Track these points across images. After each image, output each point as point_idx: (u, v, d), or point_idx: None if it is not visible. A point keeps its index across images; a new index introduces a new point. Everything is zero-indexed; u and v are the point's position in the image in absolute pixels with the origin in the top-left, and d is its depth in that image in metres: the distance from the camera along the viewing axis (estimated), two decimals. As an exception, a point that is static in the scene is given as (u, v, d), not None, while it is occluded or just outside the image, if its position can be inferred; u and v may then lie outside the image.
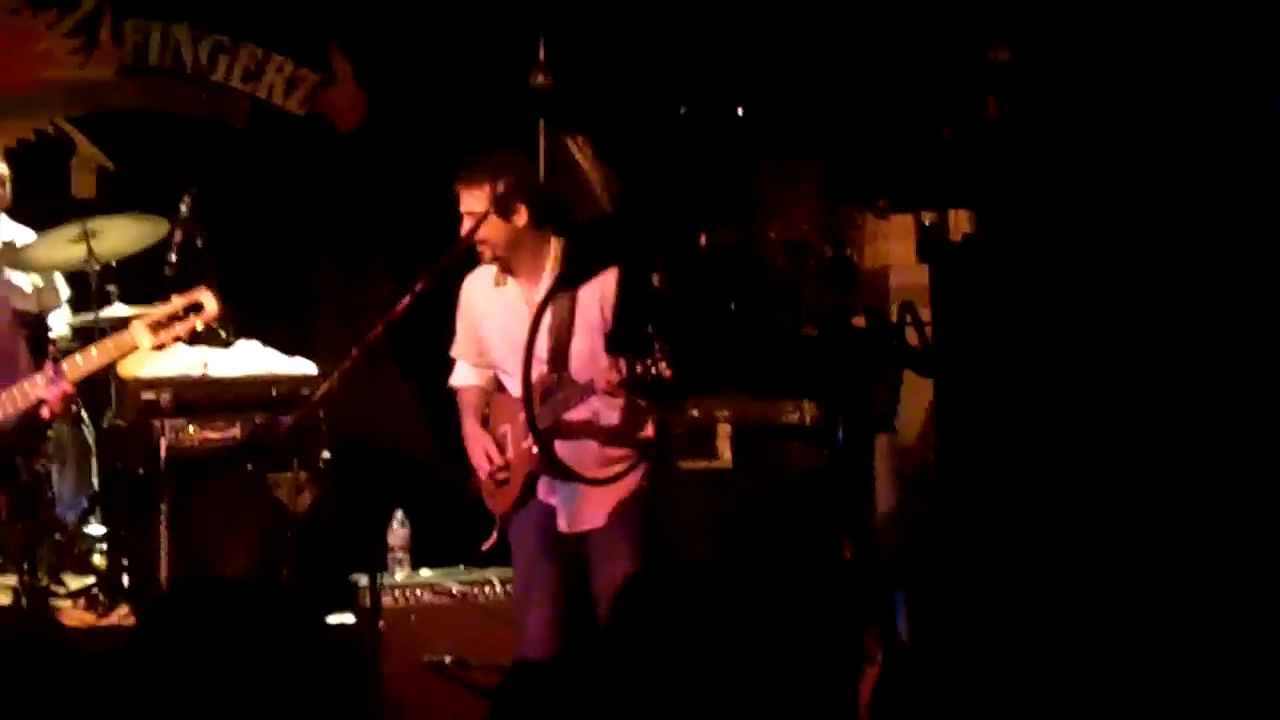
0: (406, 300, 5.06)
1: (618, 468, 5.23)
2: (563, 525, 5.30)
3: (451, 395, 5.60)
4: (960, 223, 5.06)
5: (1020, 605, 3.92)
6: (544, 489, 5.35)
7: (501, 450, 5.39)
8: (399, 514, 6.43)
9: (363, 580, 6.08)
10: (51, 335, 7.14)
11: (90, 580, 6.87)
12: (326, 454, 6.52)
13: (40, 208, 7.39)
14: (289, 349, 6.97)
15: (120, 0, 8.19)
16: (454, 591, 6.16)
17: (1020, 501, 3.93)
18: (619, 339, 4.94)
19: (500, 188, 5.18)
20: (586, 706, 3.51)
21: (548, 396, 5.19)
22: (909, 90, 4.63)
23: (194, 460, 6.56)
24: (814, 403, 6.19)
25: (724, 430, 6.29)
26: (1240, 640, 3.67)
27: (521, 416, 5.19)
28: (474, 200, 5.23)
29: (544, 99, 6.44)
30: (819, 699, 4.45)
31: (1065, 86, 4.11)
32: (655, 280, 4.80)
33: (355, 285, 7.98)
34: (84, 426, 7.13)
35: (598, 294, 5.17)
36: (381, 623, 5.87)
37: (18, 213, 7.36)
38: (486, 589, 6.16)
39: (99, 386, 6.83)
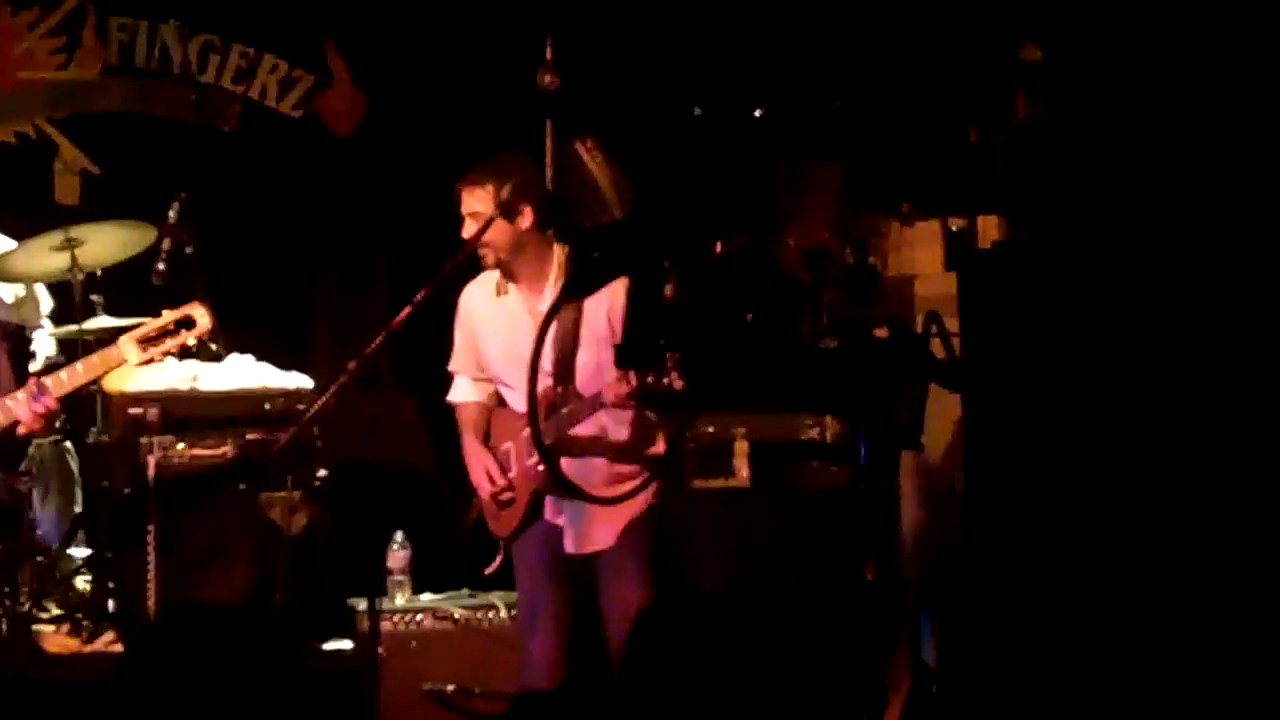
0: (406, 311, 5.06)
1: (627, 486, 5.22)
2: (570, 546, 5.29)
3: (452, 410, 5.59)
4: (989, 229, 5.04)
5: (1053, 631, 3.89)
6: (550, 509, 5.34)
7: (504, 468, 5.38)
8: (398, 535, 6.42)
9: (360, 605, 6.06)
10: (37, 359, 7.11)
11: (73, 605, 6.86)
12: (322, 472, 6.52)
13: (21, 214, 7.39)
14: (283, 363, 6.98)
15: (104, -3, 8.21)
16: (456, 617, 6.16)
17: (1053, 522, 3.91)
18: (629, 352, 4.92)
19: (505, 189, 5.19)
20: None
21: (553, 411, 5.19)
22: (935, 89, 4.60)
23: (183, 479, 6.56)
24: (835, 418, 6.19)
25: (741, 448, 6.28)
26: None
27: (525, 432, 5.17)
28: (477, 201, 5.23)
29: (551, 100, 6.44)
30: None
31: (1100, 85, 4.10)
32: (667, 290, 4.78)
33: (353, 296, 7.98)
34: (67, 444, 7.12)
35: (605, 305, 5.17)
36: (380, 649, 5.86)
37: (-4, 220, 7.37)
38: (490, 614, 6.15)
39: (84, 402, 6.82)
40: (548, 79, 6.58)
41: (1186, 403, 3.73)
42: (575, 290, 5.03)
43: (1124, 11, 4.09)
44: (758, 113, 4.66)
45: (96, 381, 6.06)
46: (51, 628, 6.76)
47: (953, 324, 4.19)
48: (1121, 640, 3.79)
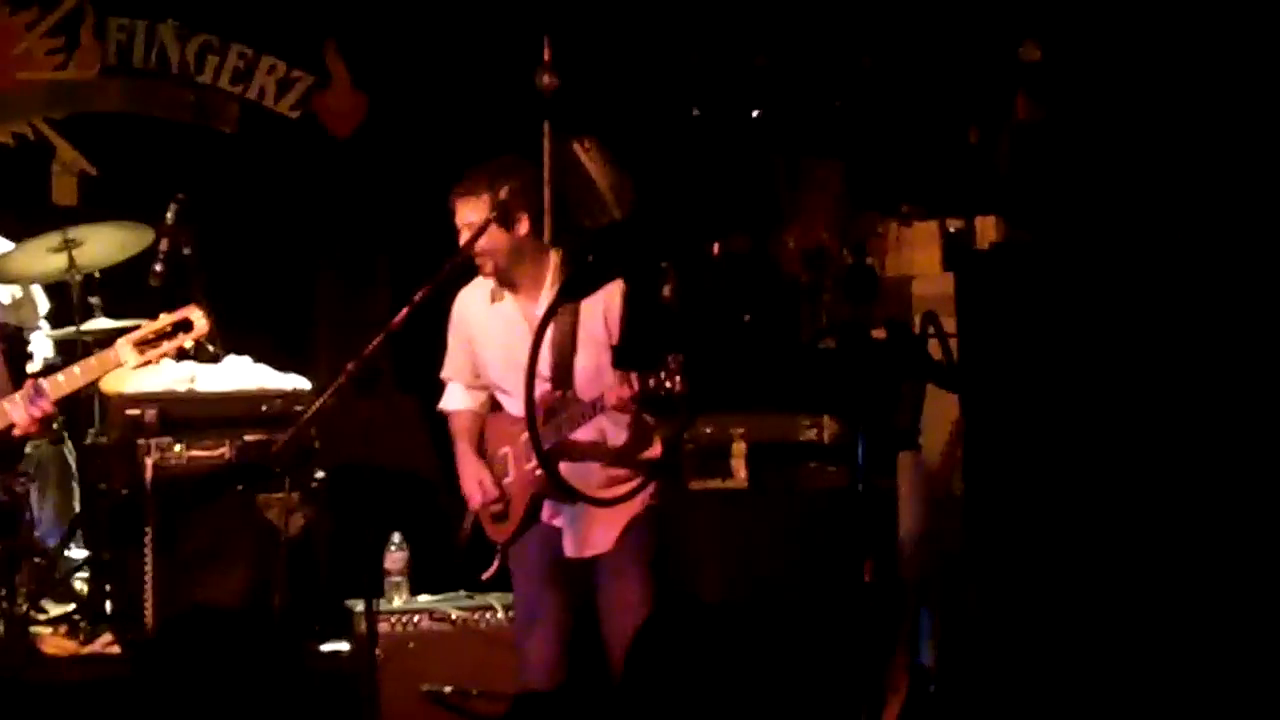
0: (405, 312, 5.07)
1: (626, 488, 5.23)
2: (569, 550, 5.30)
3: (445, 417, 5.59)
4: (987, 230, 5.06)
5: (1053, 633, 3.91)
6: (548, 511, 5.35)
7: (502, 473, 5.38)
8: (396, 536, 6.44)
9: (358, 606, 6.09)
10: (34, 361, 7.12)
11: (71, 607, 6.89)
12: (320, 474, 6.54)
13: (19, 216, 7.41)
14: (281, 364, 6.99)
15: (103, -2, 8.23)
16: (454, 618, 6.17)
17: (1052, 523, 3.92)
18: (627, 353, 4.94)
19: (501, 196, 5.19)
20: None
21: (551, 416, 5.19)
22: (934, 89, 4.62)
23: (181, 481, 6.57)
24: (833, 419, 6.20)
25: (739, 449, 6.30)
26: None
27: (523, 437, 5.18)
28: (472, 211, 5.23)
29: (550, 101, 6.45)
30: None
31: (1100, 85, 4.11)
32: (666, 291, 4.80)
33: (351, 297, 8.01)
34: (65, 445, 7.14)
35: (601, 307, 5.18)
36: (378, 651, 5.87)
37: (-6, 222, 7.39)
38: (488, 615, 6.17)
39: (81, 403, 6.84)
40: (546, 79, 6.59)
41: (1186, 404, 3.74)
42: (571, 293, 5.03)
43: (1124, 11, 4.10)
44: (756, 113, 4.68)
45: (94, 384, 6.08)
46: (49, 629, 6.78)
47: (950, 324, 4.20)
48: (1121, 642, 3.80)
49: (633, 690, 3.66)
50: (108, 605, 6.81)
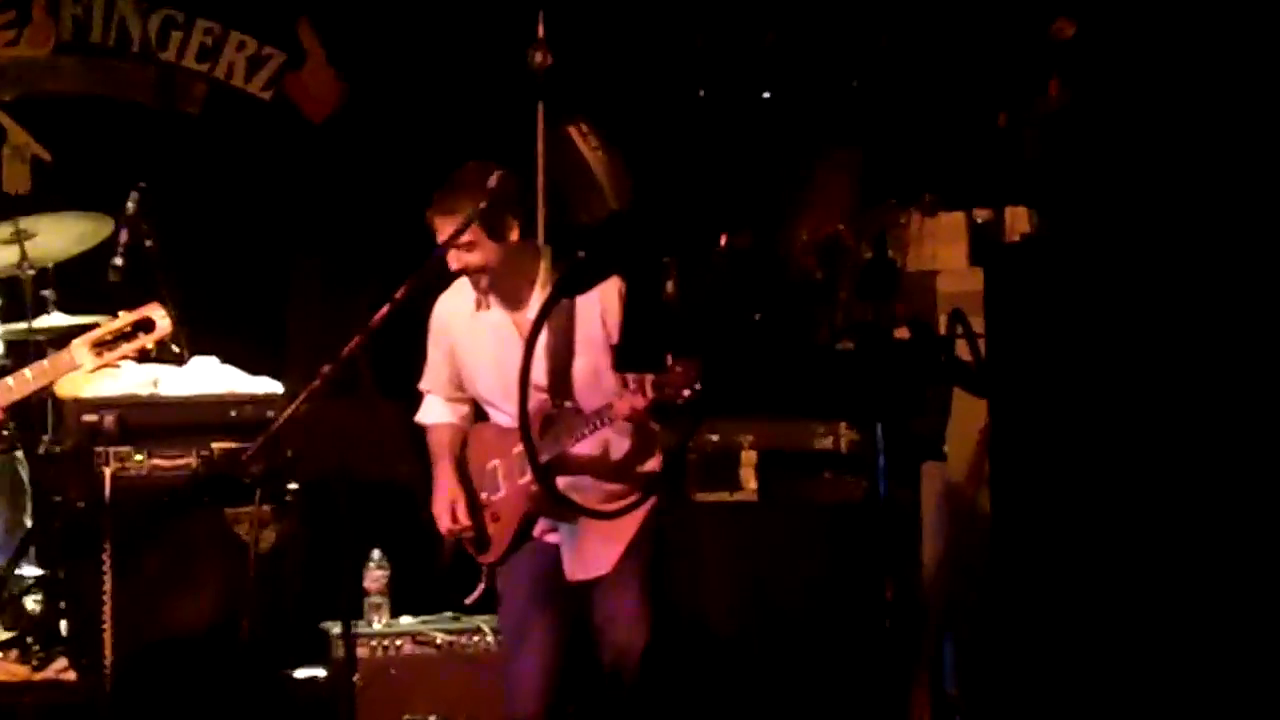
0: (385, 310, 5.07)
1: (626, 501, 5.23)
2: (571, 572, 5.30)
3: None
4: (1018, 221, 5.07)
5: (1084, 660, 3.91)
6: (541, 527, 5.36)
7: (491, 488, 5.38)
8: (376, 554, 6.45)
9: (335, 629, 6.09)
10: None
11: (23, 628, 6.88)
12: (293, 485, 6.53)
13: (-34, 204, 7.42)
14: (251, 366, 6.98)
15: (57, -30, 8.22)
16: (439, 642, 6.18)
17: (1085, 541, 3.92)
18: (627, 355, 4.94)
19: (483, 205, 5.15)
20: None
21: (548, 426, 5.19)
22: (959, 70, 4.63)
23: (142, 493, 6.57)
24: (850, 426, 6.20)
25: (748, 458, 6.30)
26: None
27: (516, 450, 5.19)
28: (454, 226, 5.18)
29: (543, 81, 6.46)
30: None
31: (1137, 65, 4.12)
32: (668, 287, 4.80)
33: (327, 294, 8.00)
34: (17, 455, 7.13)
35: (598, 306, 5.18)
36: (356, 677, 5.87)
37: (-60, 210, 7.38)
38: (475, 639, 6.19)
39: (34, 408, 6.84)
40: (539, 58, 6.61)
41: (1241, 416, 3.73)
42: (565, 292, 5.03)
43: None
44: (766, 95, 4.68)
45: (47, 388, 6.08)
46: (-1, 653, 6.79)
47: (978, 324, 4.20)
48: (1158, 671, 3.80)
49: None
50: (62, 628, 6.81)
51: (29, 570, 7.10)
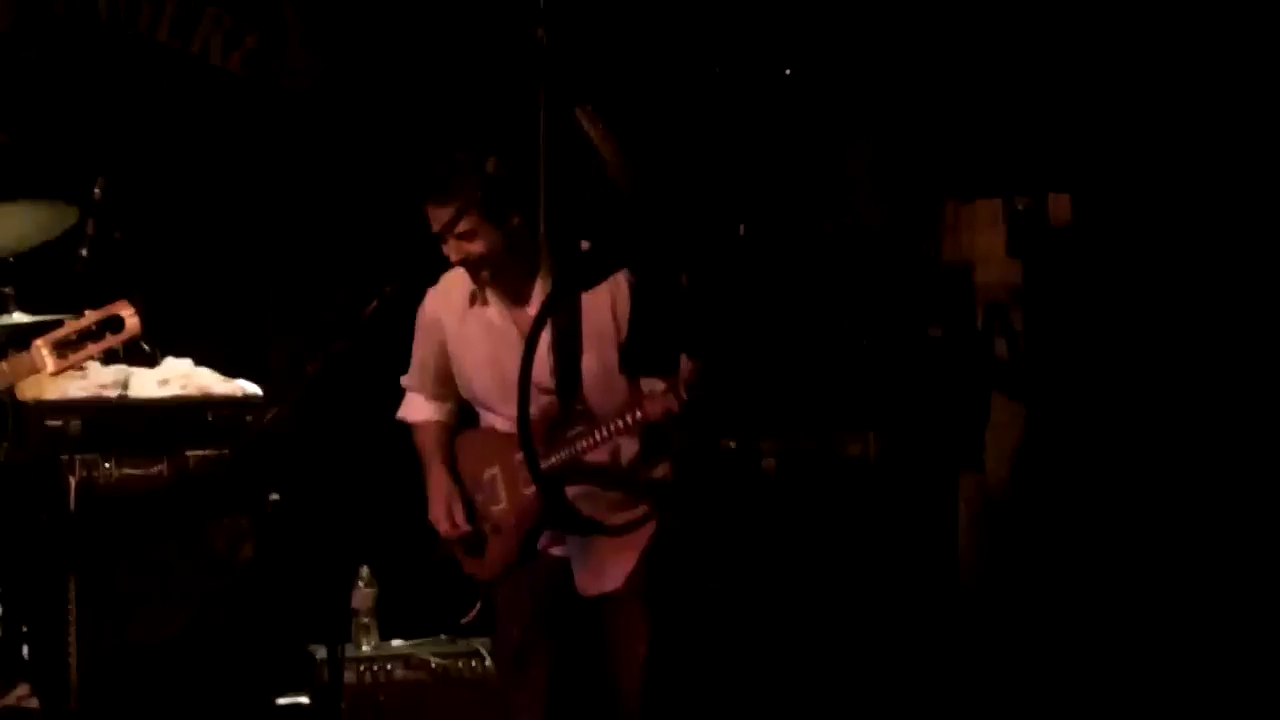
0: (373, 306, 5.08)
1: (638, 511, 5.25)
2: (583, 587, 5.30)
3: (406, 427, 5.60)
4: (1060, 210, 5.08)
5: (1134, 681, 3.93)
6: (547, 539, 5.36)
7: (490, 499, 5.39)
8: (364, 571, 6.45)
9: (321, 652, 6.10)
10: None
11: (-19, 652, 6.91)
12: (274, 496, 6.54)
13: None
14: (228, 367, 6.99)
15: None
16: (432, 665, 6.19)
17: (1127, 554, 3.94)
18: (636, 354, 4.95)
19: (481, 191, 5.16)
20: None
21: (555, 430, 5.20)
22: (997, 48, 4.65)
23: (111, 503, 6.58)
24: (880, 433, 6.21)
25: (768, 465, 6.31)
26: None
27: (518, 456, 5.19)
28: (450, 214, 5.19)
29: (545, 59, 6.46)
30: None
31: (1187, 46, 4.13)
32: (682, 281, 4.82)
33: (311, 289, 8.00)
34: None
35: (608, 300, 5.18)
36: (343, 704, 5.89)
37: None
38: (471, 663, 6.19)
39: (-8, 412, 6.85)
40: (541, 33, 6.61)
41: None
42: (569, 286, 5.04)
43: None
44: (788, 72, 4.70)
45: (7, 391, 6.08)
46: (-45, 679, 6.80)
47: (1018, 320, 4.22)
48: (1218, 700, 3.82)
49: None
50: (24, 651, 6.81)
51: (-13, 588, 7.13)
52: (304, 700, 6.45)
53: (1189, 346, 3.90)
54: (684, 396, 4.87)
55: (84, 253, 6.81)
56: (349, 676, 6.04)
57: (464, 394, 5.48)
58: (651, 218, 4.83)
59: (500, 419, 5.36)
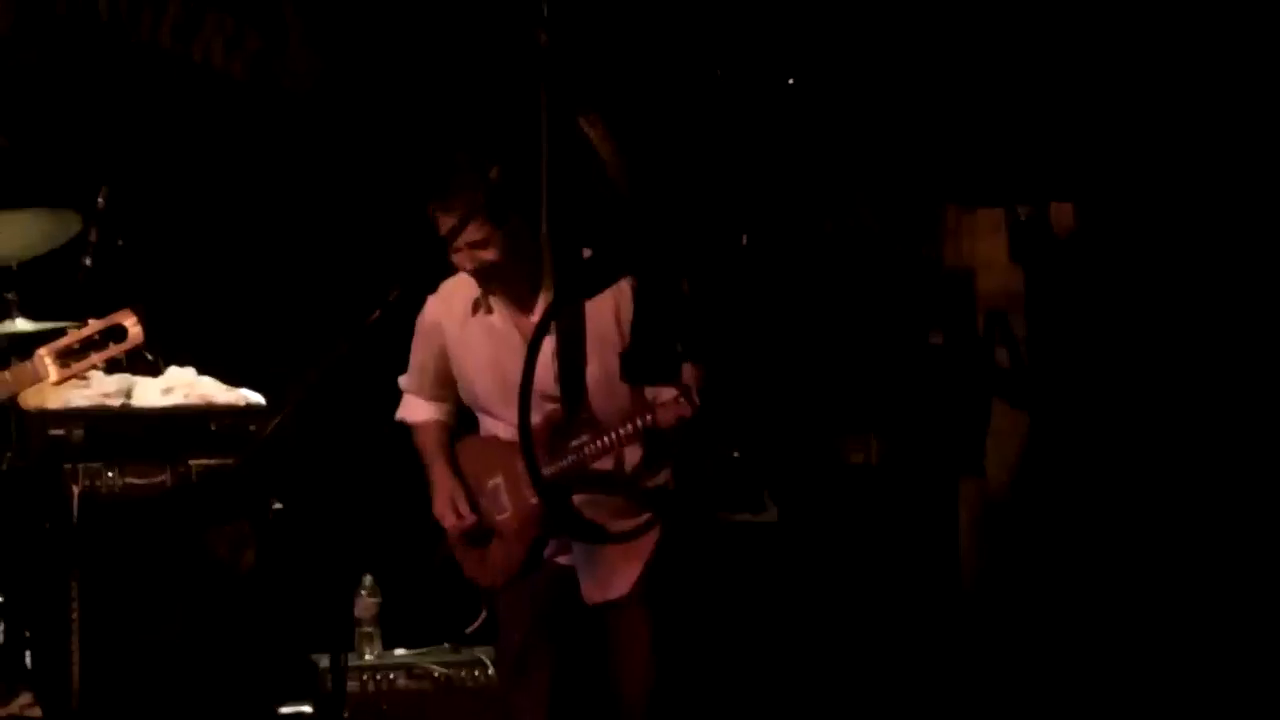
0: (377, 314, 5.09)
1: (638, 520, 5.26)
2: (589, 595, 5.32)
3: (406, 429, 5.61)
4: (1062, 217, 5.09)
5: (1135, 684, 3.94)
6: (552, 548, 5.37)
7: (494, 508, 5.40)
8: (367, 580, 6.46)
9: (323, 661, 6.11)
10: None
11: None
12: (277, 504, 6.55)
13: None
14: (231, 376, 7.00)
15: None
16: (435, 675, 6.19)
17: (1132, 559, 3.95)
18: (636, 362, 4.96)
19: (484, 193, 5.17)
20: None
21: (559, 438, 5.21)
22: (1000, 52, 4.65)
23: (114, 511, 6.59)
24: (881, 439, 6.21)
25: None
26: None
27: (521, 465, 5.20)
28: (455, 220, 5.20)
29: (546, 62, 6.48)
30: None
31: (1190, 56, 4.14)
32: (683, 287, 4.83)
33: (315, 296, 8.01)
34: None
35: (612, 306, 5.19)
36: (346, 713, 5.90)
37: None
38: (474, 672, 6.20)
39: (-5, 421, 6.87)
40: (543, 37, 6.62)
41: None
42: (571, 295, 5.05)
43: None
44: (790, 79, 4.71)
45: (10, 400, 6.09)
46: (-43, 688, 6.81)
47: (1019, 327, 4.22)
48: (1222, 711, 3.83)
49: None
50: (27, 659, 6.82)
51: (-10, 597, 7.14)
52: (307, 709, 6.45)
53: (1191, 354, 3.91)
54: (697, 403, 4.88)
55: (87, 261, 6.82)
56: (352, 685, 6.05)
57: (465, 398, 5.49)
58: (652, 222, 4.84)
59: (502, 425, 5.37)
